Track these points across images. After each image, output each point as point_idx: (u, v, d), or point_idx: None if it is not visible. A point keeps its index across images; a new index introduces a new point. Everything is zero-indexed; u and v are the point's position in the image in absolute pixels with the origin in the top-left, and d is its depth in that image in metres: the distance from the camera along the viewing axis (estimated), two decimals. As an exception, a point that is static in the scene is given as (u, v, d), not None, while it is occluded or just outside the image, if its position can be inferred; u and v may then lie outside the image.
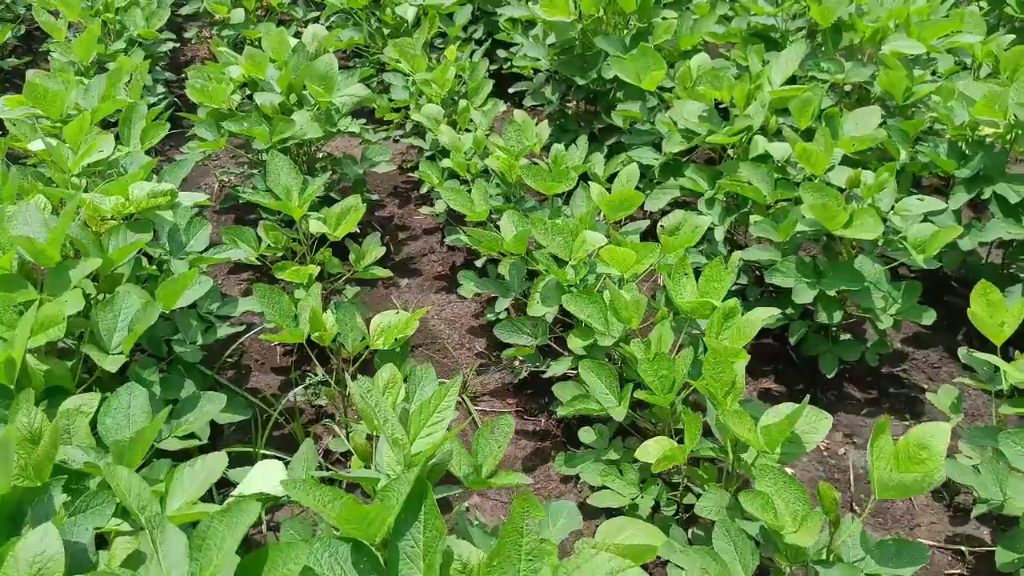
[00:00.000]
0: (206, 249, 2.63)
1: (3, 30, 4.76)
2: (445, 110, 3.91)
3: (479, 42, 5.22)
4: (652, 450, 2.08)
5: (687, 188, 3.37)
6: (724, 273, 2.41)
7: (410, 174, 4.37)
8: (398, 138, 4.53)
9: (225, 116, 3.55)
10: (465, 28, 4.73)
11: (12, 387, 1.97)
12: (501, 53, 4.89)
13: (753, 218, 3.06)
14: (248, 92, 3.74)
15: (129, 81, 4.10)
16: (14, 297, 2.11)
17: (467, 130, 3.72)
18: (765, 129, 3.26)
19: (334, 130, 3.39)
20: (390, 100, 4.24)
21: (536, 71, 4.51)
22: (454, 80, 3.97)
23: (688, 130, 3.32)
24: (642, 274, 2.57)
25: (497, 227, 3.24)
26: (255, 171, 3.71)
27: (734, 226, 3.35)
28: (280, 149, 3.46)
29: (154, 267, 2.64)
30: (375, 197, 3.70)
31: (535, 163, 3.33)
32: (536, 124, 3.44)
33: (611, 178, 3.58)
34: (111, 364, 2.07)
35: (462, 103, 3.81)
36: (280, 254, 3.14)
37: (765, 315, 2.27)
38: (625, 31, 4.12)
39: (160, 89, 4.52)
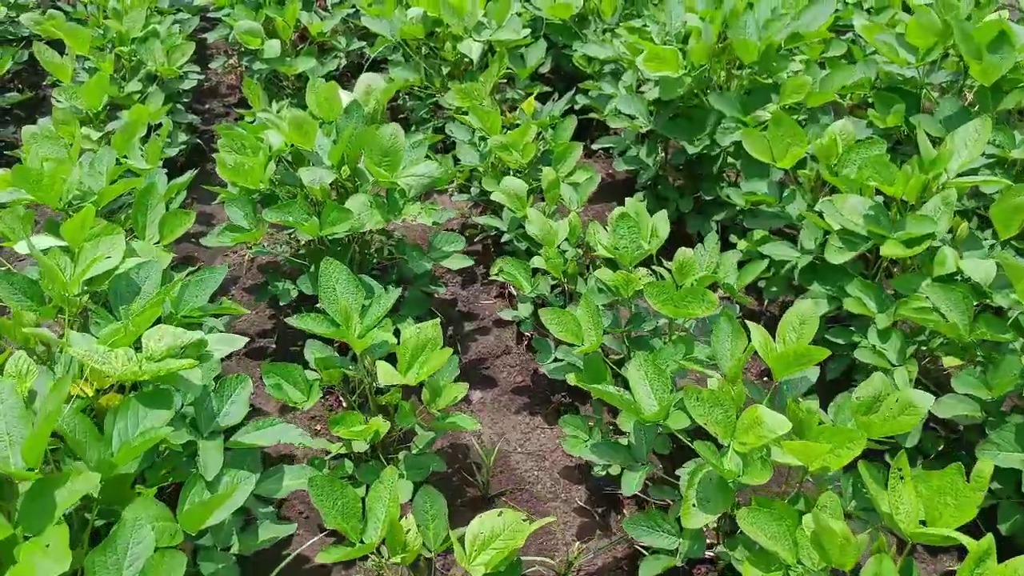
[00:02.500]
0: (245, 420, 1.96)
1: (2, 60, 4.10)
2: (526, 180, 3.23)
3: (547, 80, 4.52)
4: None
5: (835, 293, 2.70)
6: (967, 489, 1.73)
7: (478, 248, 3.70)
8: (454, 192, 3.86)
9: (262, 195, 2.88)
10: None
11: None
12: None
13: (947, 362, 2.37)
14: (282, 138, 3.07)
15: (147, 137, 3.44)
16: (-27, 547, 1.45)
17: (557, 207, 3.03)
18: (953, 235, 2.56)
19: (398, 219, 2.72)
20: (455, 160, 3.56)
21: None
22: (535, 142, 3.29)
23: (848, 232, 2.62)
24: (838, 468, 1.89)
25: (607, 353, 2.57)
26: (296, 256, 3.04)
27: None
28: (331, 239, 2.79)
29: (179, 444, 1.98)
30: (442, 291, 3.03)
31: (652, 271, 2.64)
32: (651, 213, 2.75)
33: (750, 289, 2.91)
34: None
35: (547, 173, 3.12)
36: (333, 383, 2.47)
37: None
38: (740, 85, 3.42)
39: (182, 138, 3.85)
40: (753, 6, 3.50)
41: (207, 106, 4.98)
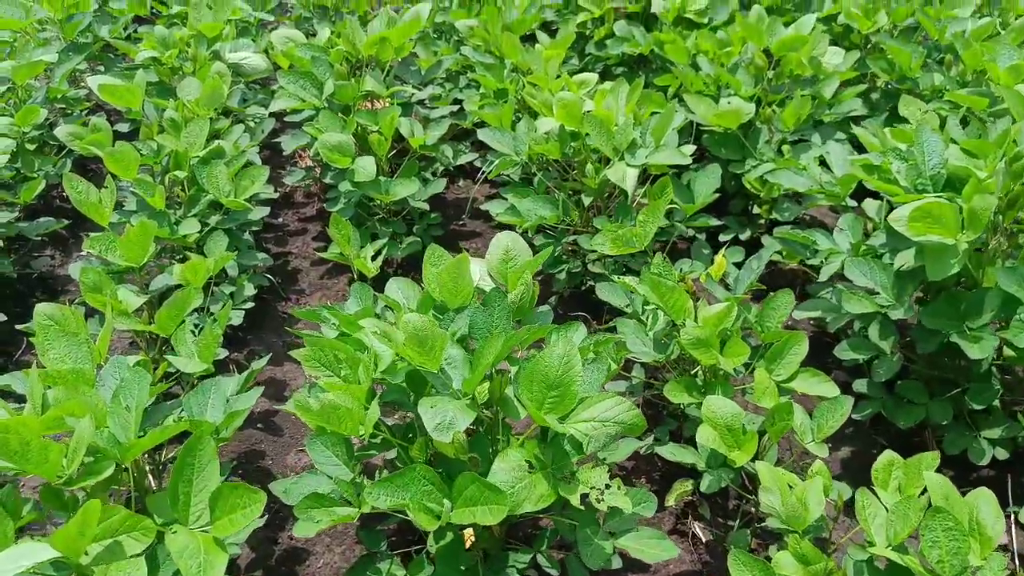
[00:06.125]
0: None
1: (32, 186, 3.29)
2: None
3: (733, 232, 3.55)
4: None
5: None
6: None
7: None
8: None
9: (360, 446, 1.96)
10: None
11: None
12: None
13: None
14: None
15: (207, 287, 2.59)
16: None
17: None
18: None
19: (574, 496, 1.76)
20: (616, 339, 2.59)
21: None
22: (736, 328, 2.32)
23: None
24: None
25: None
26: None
27: None
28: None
29: None
30: (617, 565, 2.06)
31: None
32: (885, 415, 1.74)
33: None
34: None
35: (762, 384, 2.15)
36: None
37: None
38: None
39: (248, 289, 2.97)
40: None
41: (280, 219, 4.13)
